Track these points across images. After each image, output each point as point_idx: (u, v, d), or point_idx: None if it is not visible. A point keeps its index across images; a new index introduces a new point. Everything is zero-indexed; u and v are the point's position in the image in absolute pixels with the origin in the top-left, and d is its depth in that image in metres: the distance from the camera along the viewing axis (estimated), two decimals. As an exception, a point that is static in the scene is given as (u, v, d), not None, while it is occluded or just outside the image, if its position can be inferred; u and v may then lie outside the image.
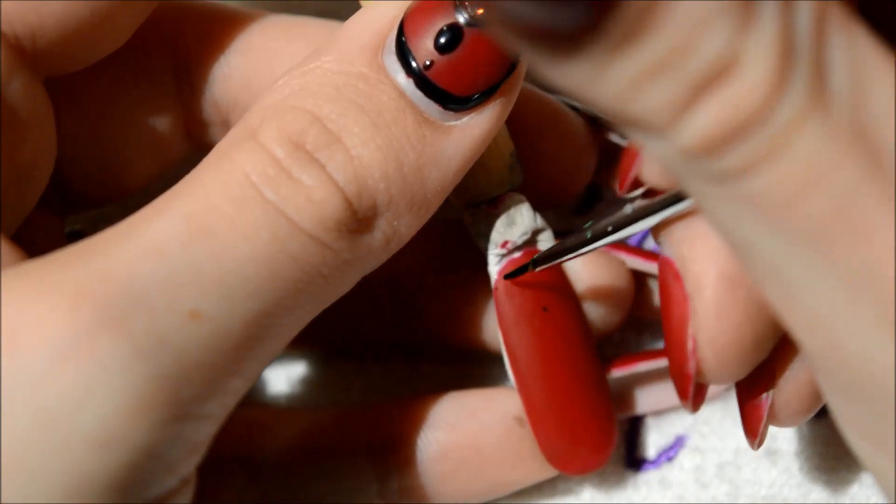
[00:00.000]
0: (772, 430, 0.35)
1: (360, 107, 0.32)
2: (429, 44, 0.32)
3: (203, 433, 0.31)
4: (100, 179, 0.38)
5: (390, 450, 0.38)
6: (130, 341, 0.29)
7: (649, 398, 0.40)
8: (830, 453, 0.40)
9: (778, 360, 0.33)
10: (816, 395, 0.34)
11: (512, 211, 0.37)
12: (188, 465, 0.31)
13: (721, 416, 0.41)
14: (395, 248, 0.33)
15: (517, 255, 0.37)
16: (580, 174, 0.40)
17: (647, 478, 0.41)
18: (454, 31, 0.32)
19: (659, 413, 0.41)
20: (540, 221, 0.37)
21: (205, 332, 0.29)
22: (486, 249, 0.37)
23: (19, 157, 0.34)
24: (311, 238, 0.31)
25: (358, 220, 0.31)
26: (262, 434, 0.39)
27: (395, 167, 0.32)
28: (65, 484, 0.28)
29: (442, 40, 0.32)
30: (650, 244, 0.42)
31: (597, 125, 0.40)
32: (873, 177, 0.24)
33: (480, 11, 0.31)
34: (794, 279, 0.25)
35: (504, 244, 0.37)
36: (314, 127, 0.31)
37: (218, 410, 0.31)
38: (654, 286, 0.40)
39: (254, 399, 0.42)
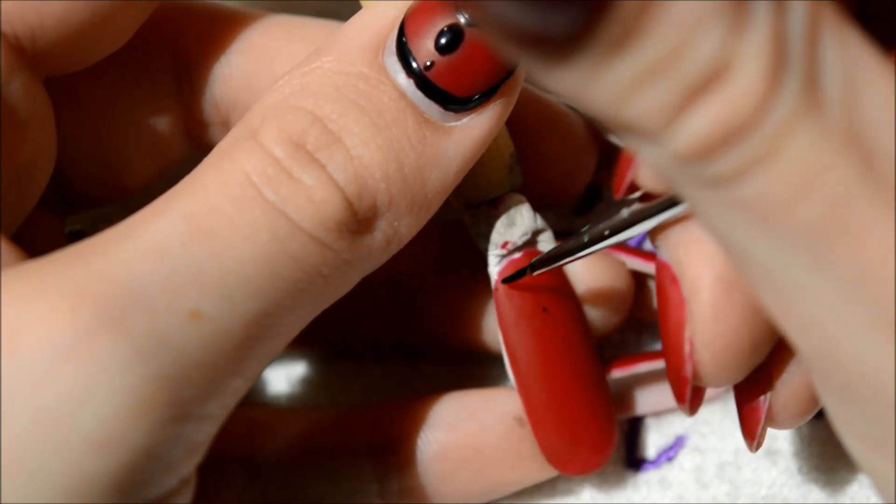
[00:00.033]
0: (771, 430, 0.35)
1: (360, 107, 0.32)
2: (429, 44, 0.32)
3: (203, 433, 0.31)
4: (100, 179, 0.38)
5: (390, 450, 0.38)
6: (130, 341, 0.29)
7: (649, 399, 0.40)
8: (830, 453, 0.40)
9: (775, 362, 0.33)
10: (814, 397, 0.34)
11: (512, 212, 0.37)
12: (188, 466, 0.31)
13: (721, 416, 0.41)
14: (395, 248, 0.33)
15: (517, 255, 0.37)
16: (580, 174, 0.40)
17: (647, 478, 0.41)
18: (455, 32, 0.32)
19: (659, 413, 0.41)
20: (540, 222, 0.37)
21: (205, 332, 0.29)
22: (486, 250, 0.37)
23: (19, 157, 0.33)
24: (311, 238, 0.31)
25: (358, 220, 0.31)
26: (262, 434, 0.39)
27: (395, 167, 0.32)
28: (65, 484, 0.28)
29: (443, 41, 0.32)
30: (650, 245, 0.42)
31: (597, 126, 0.40)
32: (866, 179, 0.24)
33: (471, 14, 0.31)
34: (788, 282, 0.25)
35: (504, 245, 0.37)
36: (315, 127, 0.31)
37: (218, 411, 0.31)
38: (654, 287, 0.40)
39: (254, 399, 0.42)
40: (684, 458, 0.41)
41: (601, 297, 0.39)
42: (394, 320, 0.41)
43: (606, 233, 0.33)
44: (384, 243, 0.32)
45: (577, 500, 0.40)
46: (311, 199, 0.31)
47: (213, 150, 0.32)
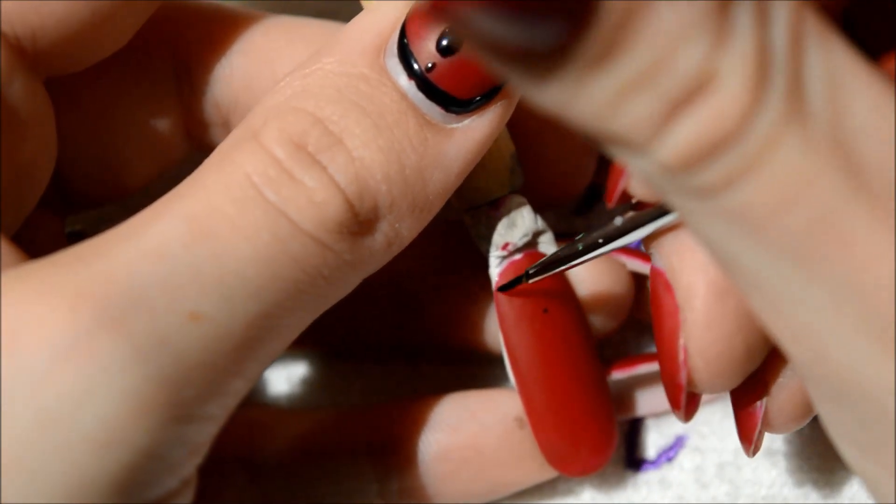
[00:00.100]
0: (771, 430, 0.35)
1: (361, 108, 0.32)
2: (431, 46, 0.32)
3: (204, 434, 0.31)
4: (100, 179, 0.38)
5: (391, 450, 0.38)
6: (130, 342, 0.29)
7: (649, 400, 0.40)
8: (830, 453, 0.40)
9: (771, 368, 0.33)
10: (810, 402, 0.34)
11: (513, 213, 0.37)
12: (189, 466, 0.31)
13: (721, 416, 0.41)
14: (396, 250, 0.33)
15: (518, 256, 0.37)
16: (580, 175, 0.40)
17: (647, 478, 0.41)
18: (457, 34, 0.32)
19: (659, 414, 0.41)
20: (541, 223, 0.37)
21: (205, 332, 0.29)
22: (487, 252, 0.37)
23: (19, 157, 0.33)
24: (312, 239, 0.31)
25: (359, 221, 0.31)
26: (262, 435, 0.39)
27: (396, 169, 0.32)
28: (65, 484, 0.28)
29: (444, 42, 0.32)
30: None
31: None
32: (853, 188, 0.24)
33: (455, 30, 0.31)
34: (778, 291, 0.25)
35: (505, 246, 0.37)
36: (316, 128, 0.31)
37: (218, 411, 0.31)
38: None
39: (254, 400, 0.42)
40: (684, 459, 0.41)
41: (601, 299, 0.39)
42: (394, 321, 0.41)
43: (600, 241, 0.33)
44: (385, 245, 0.32)
45: (577, 500, 0.40)
46: (313, 201, 0.31)
47: (214, 152, 0.32)
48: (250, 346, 0.30)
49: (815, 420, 0.39)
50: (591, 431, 0.37)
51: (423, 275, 0.40)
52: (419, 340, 0.41)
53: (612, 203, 0.33)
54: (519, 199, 0.37)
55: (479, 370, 0.42)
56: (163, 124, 0.38)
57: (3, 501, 0.28)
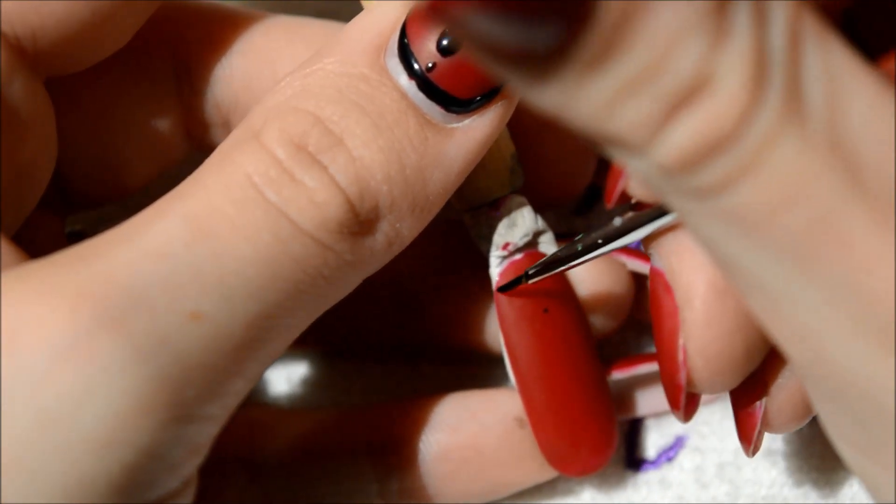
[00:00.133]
0: (771, 430, 0.35)
1: (362, 108, 0.32)
2: (431, 46, 0.32)
3: (204, 434, 0.31)
4: (100, 179, 0.38)
5: (391, 450, 0.38)
6: (130, 342, 0.29)
7: (649, 400, 0.40)
8: (830, 453, 0.40)
9: (770, 368, 0.33)
10: (809, 402, 0.34)
11: (513, 213, 0.37)
12: (189, 466, 0.31)
13: (721, 416, 0.41)
14: (396, 250, 0.33)
15: (518, 256, 0.37)
16: (580, 175, 0.40)
17: (647, 478, 0.41)
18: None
19: (659, 414, 0.41)
20: (541, 223, 0.37)
21: (205, 332, 0.29)
22: (487, 252, 0.37)
23: (19, 157, 0.33)
24: (312, 239, 0.31)
25: (360, 221, 0.31)
26: (263, 434, 0.39)
27: (397, 169, 0.32)
28: (65, 484, 0.28)
29: (444, 42, 0.32)
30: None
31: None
32: (852, 189, 0.24)
33: (453, 32, 0.31)
34: (776, 291, 0.25)
35: (505, 246, 0.37)
36: (316, 128, 0.31)
37: (219, 411, 0.31)
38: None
39: (255, 399, 0.42)
40: (684, 459, 0.41)
41: (602, 299, 0.39)
42: (395, 321, 0.41)
43: (600, 241, 0.33)
44: (386, 245, 0.32)
45: (577, 500, 0.40)
46: (313, 201, 0.31)
47: (214, 152, 0.32)
48: (251, 346, 0.30)
49: (815, 420, 0.39)
50: (591, 431, 0.37)
51: (423, 275, 0.40)
52: (420, 340, 0.41)
53: (611, 204, 0.33)
54: (519, 199, 0.37)
55: (479, 370, 0.42)
56: (163, 124, 0.38)
57: (3, 501, 0.28)
